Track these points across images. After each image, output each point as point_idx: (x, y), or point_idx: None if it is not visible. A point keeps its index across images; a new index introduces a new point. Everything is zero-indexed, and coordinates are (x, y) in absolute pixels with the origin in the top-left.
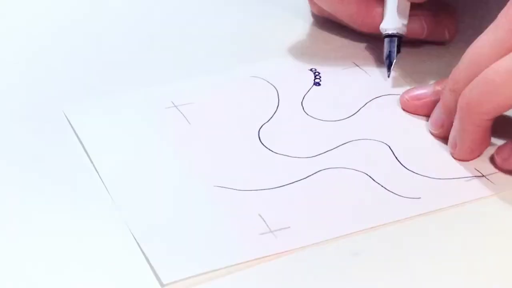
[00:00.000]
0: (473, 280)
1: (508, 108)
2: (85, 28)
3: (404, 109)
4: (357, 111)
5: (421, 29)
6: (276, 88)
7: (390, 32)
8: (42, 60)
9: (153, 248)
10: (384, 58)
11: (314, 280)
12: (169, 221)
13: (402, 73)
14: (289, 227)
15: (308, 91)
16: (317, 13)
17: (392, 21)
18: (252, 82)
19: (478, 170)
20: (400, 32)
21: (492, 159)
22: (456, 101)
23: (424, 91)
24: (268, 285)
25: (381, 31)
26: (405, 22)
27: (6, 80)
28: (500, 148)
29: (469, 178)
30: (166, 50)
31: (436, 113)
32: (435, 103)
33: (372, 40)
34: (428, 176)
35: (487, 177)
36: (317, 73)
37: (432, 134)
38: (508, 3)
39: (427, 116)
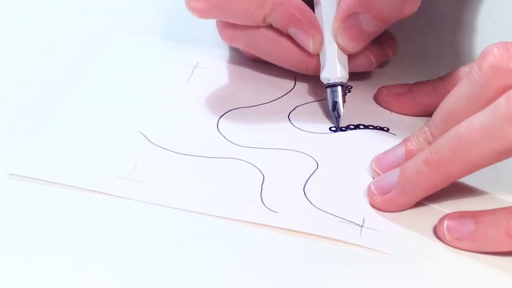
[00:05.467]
0: (473, 279)
1: (481, 167)
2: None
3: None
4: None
5: (370, 63)
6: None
7: (332, 81)
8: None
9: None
10: (330, 109)
11: (314, 280)
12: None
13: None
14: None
15: (296, 108)
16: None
17: (334, 70)
18: None
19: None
20: (344, 80)
21: None
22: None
23: (394, 154)
24: (268, 284)
25: (323, 80)
26: (346, 69)
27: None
28: (449, 226)
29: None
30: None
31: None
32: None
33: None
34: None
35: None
36: None
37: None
38: (481, 54)
39: None
